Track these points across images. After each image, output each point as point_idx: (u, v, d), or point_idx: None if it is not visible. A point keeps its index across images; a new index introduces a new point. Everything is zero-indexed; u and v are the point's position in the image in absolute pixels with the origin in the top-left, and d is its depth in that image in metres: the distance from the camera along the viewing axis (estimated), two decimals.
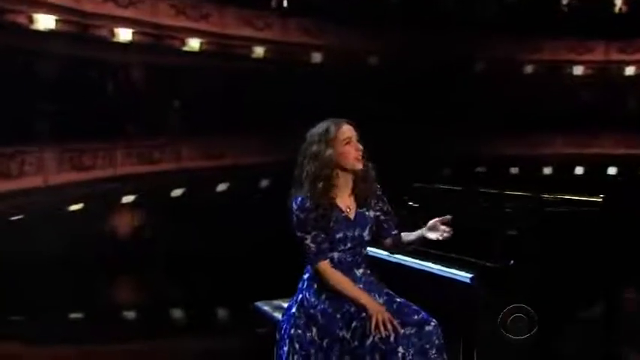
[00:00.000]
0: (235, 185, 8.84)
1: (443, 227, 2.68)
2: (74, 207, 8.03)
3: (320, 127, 2.74)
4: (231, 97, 8.63)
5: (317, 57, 9.24)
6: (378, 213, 2.81)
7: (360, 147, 2.71)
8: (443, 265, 3.16)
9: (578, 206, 3.37)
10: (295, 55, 9.13)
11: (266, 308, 3.39)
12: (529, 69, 10.05)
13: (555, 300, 3.02)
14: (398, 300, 2.72)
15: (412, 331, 2.55)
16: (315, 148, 2.67)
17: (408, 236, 2.84)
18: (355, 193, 2.76)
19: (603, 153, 9.81)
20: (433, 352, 2.56)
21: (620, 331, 3.46)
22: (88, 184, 8.11)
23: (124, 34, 8.23)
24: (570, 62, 10.16)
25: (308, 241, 2.65)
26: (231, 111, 8.56)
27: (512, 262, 2.94)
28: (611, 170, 9.40)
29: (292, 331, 2.67)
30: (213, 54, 8.78)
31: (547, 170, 9.57)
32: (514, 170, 8.85)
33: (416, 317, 2.62)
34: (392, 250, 2.99)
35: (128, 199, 8.36)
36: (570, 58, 10.16)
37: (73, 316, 5.86)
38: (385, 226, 2.83)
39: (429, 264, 3.22)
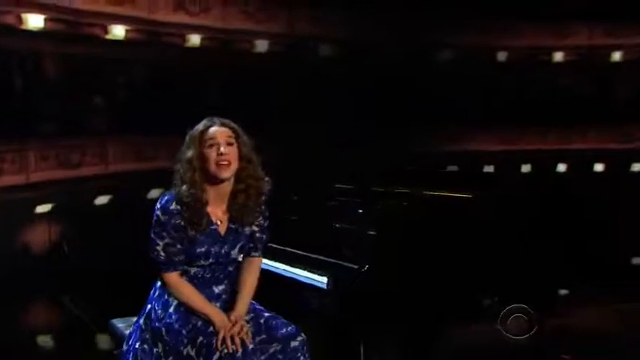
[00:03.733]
0: None
1: None
2: None
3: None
4: (163, 91, 8.08)
5: (262, 45, 8.70)
6: (255, 229, 2.67)
7: (224, 152, 2.51)
8: (301, 268, 3.07)
9: (448, 202, 3.20)
10: (236, 43, 8.57)
11: (120, 326, 3.12)
12: (502, 56, 9.58)
13: (418, 308, 2.89)
14: (266, 315, 2.64)
15: (278, 348, 2.53)
16: (183, 149, 2.58)
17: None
18: (230, 209, 2.60)
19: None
20: None
21: None
22: None
23: (35, 21, 7.54)
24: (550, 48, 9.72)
25: (159, 248, 2.52)
26: (163, 107, 7.94)
27: (367, 266, 2.89)
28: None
29: (137, 345, 2.57)
30: (140, 43, 8.18)
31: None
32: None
33: (283, 331, 2.57)
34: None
35: (43, 209, 7.77)
36: (550, 44, 9.71)
37: None
38: (251, 245, 2.70)
39: (287, 267, 3.14)
